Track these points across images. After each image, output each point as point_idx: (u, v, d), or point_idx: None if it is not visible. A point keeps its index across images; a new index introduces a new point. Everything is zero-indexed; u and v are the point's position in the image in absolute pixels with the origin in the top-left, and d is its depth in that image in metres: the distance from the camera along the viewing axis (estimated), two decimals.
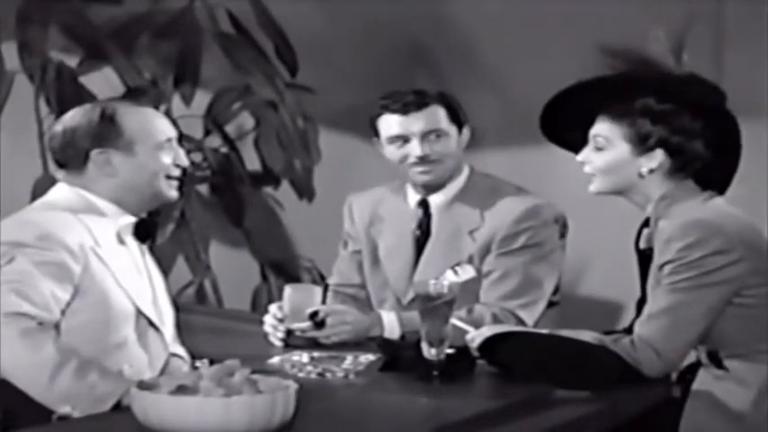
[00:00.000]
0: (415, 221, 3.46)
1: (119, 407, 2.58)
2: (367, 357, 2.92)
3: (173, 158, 2.94)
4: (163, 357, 2.90)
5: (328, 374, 2.86)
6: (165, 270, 3.25)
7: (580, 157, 2.94)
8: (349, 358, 2.90)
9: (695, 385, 2.87)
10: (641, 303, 2.91)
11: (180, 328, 3.02)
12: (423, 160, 3.35)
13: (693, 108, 2.87)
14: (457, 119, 3.40)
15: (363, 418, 2.58)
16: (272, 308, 3.31)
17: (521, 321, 3.29)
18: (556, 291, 3.42)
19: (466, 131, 3.43)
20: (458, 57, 5.01)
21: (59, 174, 2.94)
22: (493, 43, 4.92)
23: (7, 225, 2.81)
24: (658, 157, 2.88)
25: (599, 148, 2.91)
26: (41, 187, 3.96)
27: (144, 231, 2.94)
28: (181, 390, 2.30)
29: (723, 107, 2.90)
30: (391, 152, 3.40)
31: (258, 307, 4.91)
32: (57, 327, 2.72)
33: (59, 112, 4.27)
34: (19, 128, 4.69)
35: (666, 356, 2.79)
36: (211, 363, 2.51)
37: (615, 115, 2.89)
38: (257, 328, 3.33)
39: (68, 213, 2.83)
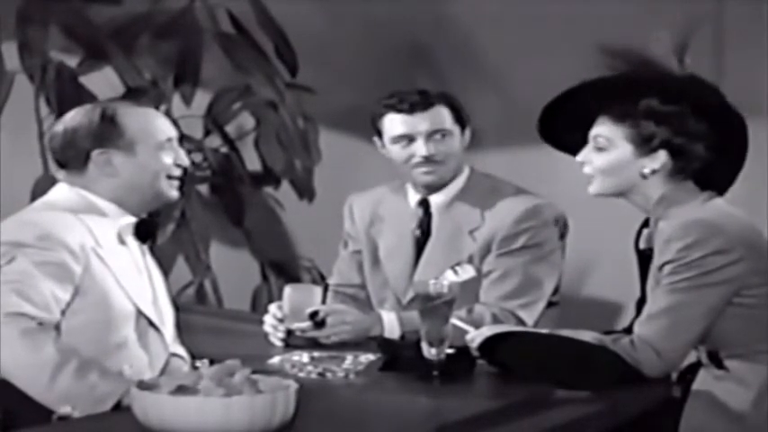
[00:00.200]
0: (416, 221, 3.47)
1: (119, 407, 2.58)
2: (367, 357, 2.92)
3: (173, 158, 2.94)
4: (163, 357, 2.90)
5: (328, 374, 2.86)
6: (166, 270, 3.25)
7: (580, 157, 2.94)
8: (349, 358, 2.90)
9: (695, 385, 2.87)
10: (641, 303, 2.91)
11: (180, 328, 3.02)
12: (427, 160, 3.36)
13: (696, 109, 2.87)
14: (460, 119, 3.41)
15: (363, 418, 2.58)
16: (272, 308, 3.31)
17: (521, 321, 3.29)
18: (555, 291, 3.42)
19: (468, 132, 3.43)
20: (458, 57, 5.01)
21: (60, 174, 2.94)
22: (493, 43, 4.92)
23: (7, 225, 2.81)
24: (661, 158, 2.87)
25: (600, 149, 2.91)
26: (41, 187, 3.97)
27: (144, 231, 2.94)
28: (181, 390, 2.30)
29: (730, 108, 2.90)
30: (395, 152, 3.40)
31: (258, 307, 4.91)
32: (57, 327, 2.72)
33: (59, 112, 4.27)
34: (19, 128, 4.69)
35: (666, 356, 2.79)
36: (211, 363, 2.52)
37: (617, 116, 2.89)
38: (257, 328, 3.33)
39: (69, 213, 2.83)
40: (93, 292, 2.78)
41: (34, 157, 4.61)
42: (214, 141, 4.95)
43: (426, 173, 3.38)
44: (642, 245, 2.96)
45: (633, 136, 2.88)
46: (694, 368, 2.91)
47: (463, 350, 2.90)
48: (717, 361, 2.86)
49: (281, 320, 3.26)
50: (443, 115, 3.38)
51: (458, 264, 3.38)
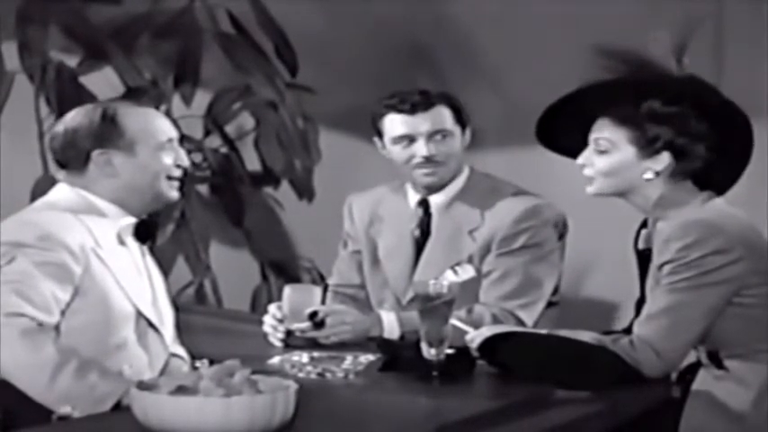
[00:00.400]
0: (415, 221, 3.47)
1: (119, 407, 2.58)
2: (367, 357, 2.92)
3: (174, 159, 2.94)
4: (163, 358, 2.90)
5: (328, 374, 2.86)
6: (165, 270, 3.25)
7: (581, 159, 2.94)
8: (349, 358, 2.90)
9: (695, 385, 2.87)
10: (640, 304, 2.91)
11: (180, 328, 3.02)
12: (428, 161, 3.36)
13: (697, 109, 2.87)
14: (460, 119, 3.41)
15: (363, 418, 2.58)
16: (272, 308, 3.31)
17: (520, 321, 3.29)
18: (555, 291, 3.42)
19: (468, 132, 3.43)
20: (458, 57, 5.01)
21: (60, 174, 2.93)
22: (493, 43, 4.92)
23: (8, 225, 2.81)
24: (664, 159, 2.87)
25: (602, 152, 2.91)
26: (41, 187, 3.97)
27: (144, 232, 2.94)
28: (181, 390, 2.30)
29: (731, 107, 2.90)
30: (396, 152, 3.40)
31: (258, 307, 4.91)
32: (57, 327, 2.72)
33: (59, 112, 4.27)
34: (19, 128, 4.69)
35: (666, 356, 2.79)
36: (211, 363, 2.52)
37: (619, 118, 2.89)
38: (257, 329, 3.33)
39: (69, 214, 2.83)
40: (92, 292, 2.78)
41: (34, 157, 4.61)
42: (214, 141, 4.95)
43: (427, 174, 3.38)
44: (641, 245, 2.96)
45: (636, 138, 2.88)
46: (694, 368, 2.91)
47: (463, 350, 2.90)
48: (717, 361, 2.86)
49: (280, 321, 3.26)
50: (444, 116, 3.38)
51: (457, 264, 3.38)
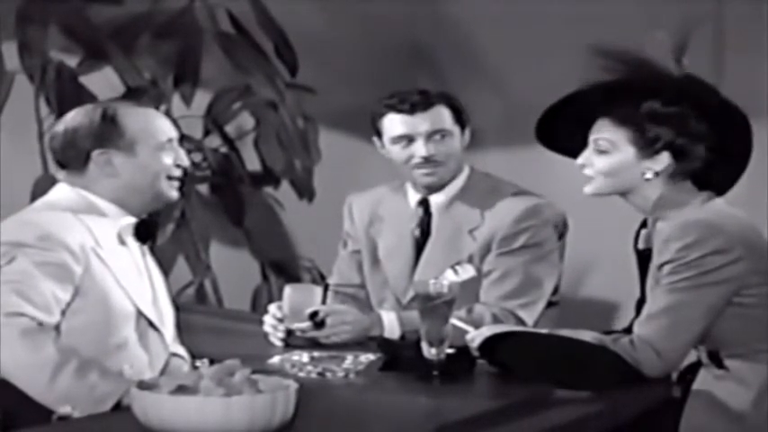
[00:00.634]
0: (415, 221, 3.47)
1: (119, 407, 2.58)
2: (367, 357, 2.92)
3: (174, 159, 2.94)
4: (163, 357, 2.90)
5: (328, 374, 2.86)
6: (166, 270, 3.25)
7: (581, 159, 2.94)
8: (349, 358, 2.90)
9: (695, 385, 2.88)
10: (640, 303, 2.91)
11: (180, 328, 3.02)
12: (427, 161, 3.36)
13: (696, 109, 2.87)
14: (460, 119, 3.41)
15: (363, 418, 2.58)
16: (272, 308, 3.31)
17: (520, 321, 3.29)
18: (555, 291, 3.42)
19: (468, 132, 3.43)
20: (458, 57, 5.01)
21: (60, 174, 2.93)
22: (493, 43, 4.92)
23: (8, 225, 2.81)
24: (664, 159, 2.88)
25: (602, 152, 2.91)
26: (41, 187, 3.96)
27: (144, 232, 2.94)
28: (181, 390, 2.30)
29: (730, 106, 2.90)
30: (395, 152, 3.40)
31: (258, 307, 4.91)
32: (57, 327, 2.72)
33: (59, 112, 4.27)
34: (19, 128, 4.68)
35: (666, 356, 2.79)
36: (211, 363, 2.52)
37: (619, 119, 2.89)
38: (257, 328, 3.33)
39: (69, 214, 2.83)
40: (93, 292, 2.78)
41: (34, 157, 4.61)
42: (214, 141, 4.95)
43: (426, 174, 3.38)
44: (641, 245, 2.96)
45: (636, 138, 2.88)
46: (694, 368, 2.91)
47: (463, 350, 2.90)
48: (717, 361, 2.86)
49: (280, 320, 3.26)
50: (444, 115, 3.38)
51: (458, 263, 3.38)
